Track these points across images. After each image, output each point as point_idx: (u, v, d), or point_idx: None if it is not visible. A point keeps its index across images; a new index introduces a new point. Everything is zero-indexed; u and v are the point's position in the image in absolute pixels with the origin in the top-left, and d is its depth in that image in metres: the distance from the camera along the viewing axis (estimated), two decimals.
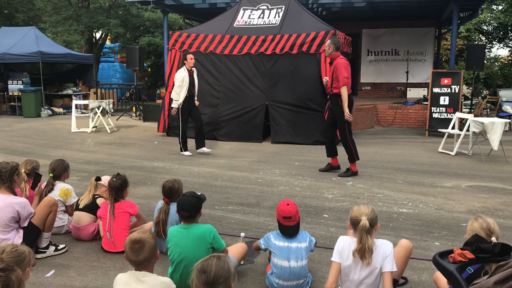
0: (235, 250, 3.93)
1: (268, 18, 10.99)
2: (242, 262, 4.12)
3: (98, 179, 4.80)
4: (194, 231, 3.53)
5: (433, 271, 3.64)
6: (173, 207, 4.35)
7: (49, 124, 13.78)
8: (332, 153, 7.67)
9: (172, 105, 8.90)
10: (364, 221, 2.98)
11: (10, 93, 16.57)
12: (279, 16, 10.88)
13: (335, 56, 7.15)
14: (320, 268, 4.05)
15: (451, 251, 2.43)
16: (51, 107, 16.64)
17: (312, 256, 4.23)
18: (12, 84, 16.74)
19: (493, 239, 2.78)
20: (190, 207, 3.57)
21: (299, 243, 3.52)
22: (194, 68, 8.97)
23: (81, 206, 4.67)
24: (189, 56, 8.79)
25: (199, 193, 3.78)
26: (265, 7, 11.19)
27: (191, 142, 9.31)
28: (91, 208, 4.62)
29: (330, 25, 10.71)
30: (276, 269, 3.49)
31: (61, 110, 16.87)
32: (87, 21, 19.90)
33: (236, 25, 11.04)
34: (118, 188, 4.38)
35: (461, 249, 2.42)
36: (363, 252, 2.98)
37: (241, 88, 10.55)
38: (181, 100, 8.74)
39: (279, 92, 10.36)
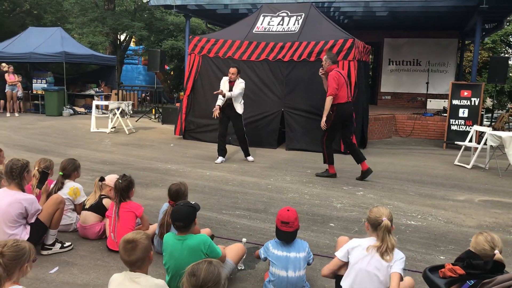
0: (232, 251, 3.92)
1: (287, 25, 11.02)
2: (242, 267, 4.13)
3: (102, 179, 4.88)
4: (189, 243, 3.47)
5: None
6: None
7: (69, 123, 14.04)
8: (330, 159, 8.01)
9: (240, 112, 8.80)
10: (386, 221, 3.13)
11: (34, 92, 16.96)
12: (298, 24, 10.91)
13: (330, 69, 7.58)
14: (321, 277, 4.03)
15: (442, 266, 2.41)
16: (73, 107, 16.95)
17: (314, 265, 4.21)
18: (37, 83, 17.14)
19: (496, 251, 2.78)
20: (185, 217, 3.49)
21: (297, 253, 3.52)
22: (240, 81, 8.71)
23: (87, 206, 4.76)
24: (231, 71, 8.57)
25: (193, 202, 3.72)
26: (285, 14, 11.23)
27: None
28: (97, 208, 4.70)
29: (351, 33, 10.67)
30: (273, 278, 3.50)
31: (82, 110, 17.18)
32: (112, 23, 20.25)
33: (255, 31, 11.10)
34: (124, 189, 4.44)
35: (453, 264, 2.40)
36: (385, 250, 3.10)
37: (258, 94, 10.59)
38: (219, 102, 8.61)
39: (296, 99, 10.37)
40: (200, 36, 11.56)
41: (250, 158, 9.09)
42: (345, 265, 3.32)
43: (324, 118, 7.54)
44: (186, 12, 15.39)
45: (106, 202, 4.74)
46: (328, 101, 7.48)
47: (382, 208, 3.25)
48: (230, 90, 8.59)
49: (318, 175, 7.96)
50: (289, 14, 11.18)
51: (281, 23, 11.11)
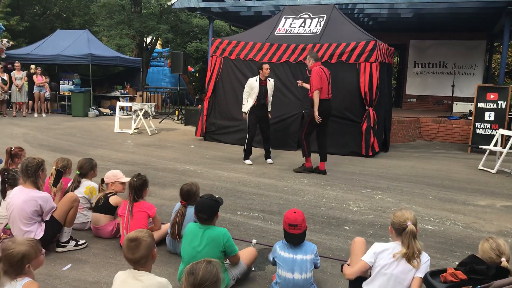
0: (244, 254, 3.95)
1: (309, 27, 10.98)
2: (252, 268, 4.13)
3: (102, 181, 4.92)
4: (209, 233, 3.61)
5: None
6: (190, 210, 4.43)
7: (94, 124, 14.30)
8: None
9: (242, 110, 8.96)
10: (411, 226, 3.06)
11: (61, 93, 17.34)
12: (320, 25, 10.85)
13: (313, 67, 7.97)
14: (330, 280, 4.00)
15: (444, 270, 2.35)
16: (99, 108, 17.26)
17: (325, 268, 4.19)
18: (64, 84, 17.52)
19: (503, 259, 2.69)
20: (208, 209, 3.65)
21: (304, 255, 3.50)
22: (271, 79, 8.90)
23: (94, 206, 4.80)
24: (265, 66, 8.65)
25: (217, 196, 3.83)
26: (307, 16, 11.19)
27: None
28: (106, 208, 4.74)
29: (376, 35, 10.56)
30: (280, 280, 3.49)
31: (107, 111, 17.47)
32: (138, 26, 20.54)
33: (277, 33, 11.09)
34: (138, 188, 4.48)
35: (455, 268, 2.34)
36: (411, 256, 3.03)
37: (278, 96, 10.55)
38: (248, 107, 8.70)
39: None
40: (221, 38, 11.61)
41: (270, 160, 9.10)
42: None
43: (316, 113, 7.82)
44: (209, 14, 15.51)
45: (113, 200, 4.78)
46: (316, 95, 7.80)
47: (406, 212, 3.14)
48: (262, 90, 8.65)
49: (296, 170, 8.26)
50: (311, 16, 11.14)
51: (303, 25, 11.08)
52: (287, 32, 11.06)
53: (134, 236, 2.82)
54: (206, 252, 3.55)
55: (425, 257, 3.11)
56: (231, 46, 11.08)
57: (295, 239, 3.51)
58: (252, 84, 8.69)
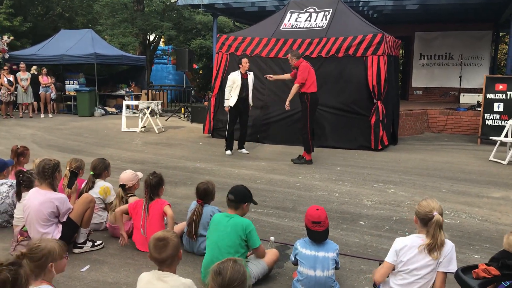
0: (267, 256, 3.92)
1: (315, 21, 10.91)
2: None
3: (123, 187, 4.88)
4: (234, 220, 3.72)
5: None
6: (206, 208, 4.41)
7: (101, 123, 14.29)
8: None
9: (224, 104, 9.33)
10: (438, 216, 2.97)
11: (67, 93, 17.34)
12: (326, 19, 10.78)
13: (298, 63, 8.30)
14: (350, 276, 3.97)
15: (476, 266, 2.32)
16: (105, 107, 17.26)
17: (343, 264, 4.16)
18: (69, 84, 17.52)
19: None
20: (239, 193, 3.84)
21: (326, 253, 3.47)
22: (250, 72, 9.34)
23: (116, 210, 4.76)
24: (244, 60, 9.14)
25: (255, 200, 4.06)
26: (312, 10, 11.12)
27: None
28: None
29: (381, 28, 10.49)
30: (302, 277, 3.46)
31: (113, 110, 17.45)
32: (141, 24, 20.52)
33: (282, 28, 11.04)
34: (154, 186, 4.46)
35: (487, 264, 2.31)
36: (433, 247, 2.95)
37: (286, 91, 10.41)
38: (232, 101, 9.08)
39: (324, 95, 10.19)
40: (227, 34, 11.57)
41: (245, 151, 9.51)
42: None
43: (287, 102, 8.37)
44: (213, 11, 15.45)
45: (132, 200, 4.76)
46: (295, 88, 8.24)
47: (432, 202, 3.06)
48: (244, 83, 9.09)
49: (295, 162, 8.50)
50: (317, 10, 11.07)
51: (308, 19, 11.01)
52: (293, 27, 11.00)
53: (162, 236, 2.80)
54: (228, 239, 3.65)
55: (449, 246, 3.01)
56: (237, 42, 11.04)
57: (319, 236, 3.49)
58: (235, 78, 9.08)
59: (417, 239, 3.08)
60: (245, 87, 9.14)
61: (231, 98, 9.12)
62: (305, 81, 8.18)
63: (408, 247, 3.07)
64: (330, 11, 10.87)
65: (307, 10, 11.17)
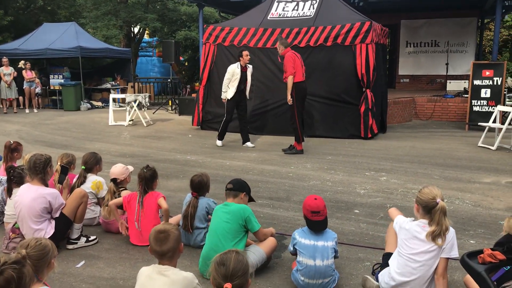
0: (264, 244, 3.91)
1: (302, 10, 10.84)
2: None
3: (114, 181, 4.80)
4: (234, 206, 3.78)
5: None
6: (202, 201, 4.36)
7: (87, 117, 14.11)
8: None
9: (222, 96, 9.24)
10: (442, 203, 2.97)
11: (52, 87, 17.08)
12: (313, 8, 10.72)
13: (285, 52, 8.28)
14: (348, 265, 3.97)
15: (481, 251, 2.32)
16: (90, 101, 17.04)
17: (341, 253, 4.14)
18: (53, 78, 17.25)
19: None
20: (237, 183, 3.92)
21: (325, 242, 3.45)
22: (250, 65, 9.24)
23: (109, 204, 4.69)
24: (245, 53, 9.03)
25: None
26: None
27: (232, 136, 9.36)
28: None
29: (367, 16, 10.48)
30: (301, 267, 3.44)
31: (99, 103, 17.25)
32: (125, 16, 20.25)
33: (270, 17, 10.95)
34: (148, 179, 4.40)
35: (492, 249, 2.30)
36: (438, 233, 2.94)
37: (274, 81, 10.47)
38: (231, 93, 8.99)
39: (313, 85, 10.18)
40: (214, 25, 11.45)
41: (250, 144, 9.32)
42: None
43: (289, 96, 8.23)
44: (199, 1, 15.31)
45: (124, 194, 4.70)
46: (290, 80, 8.16)
47: (433, 189, 3.05)
48: (243, 75, 9.00)
49: (286, 152, 8.51)
50: None
51: (296, 8, 10.94)
52: (280, 16, 10.93)
53: (162, 228, 2.76)
54: (228, 223, 3.69)
55: (451, 232, 3.01)
56: (224, 32, 10.94)
57: (319, 226, 3.47)
58: (234, 71, 8.98)
59: (417, 227, 3.08)
60: (244, 80, 9.06)
61: (229, 90, 9.02)
62: (295, 70, 8.15)
63: (406, 230, 3.09)
64: (318, 0, 10.80)
65: (294, 0, 11.09)
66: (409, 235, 3.07)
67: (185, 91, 19.14)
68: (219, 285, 2.27)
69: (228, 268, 2.28)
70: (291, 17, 10.81)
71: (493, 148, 8.85)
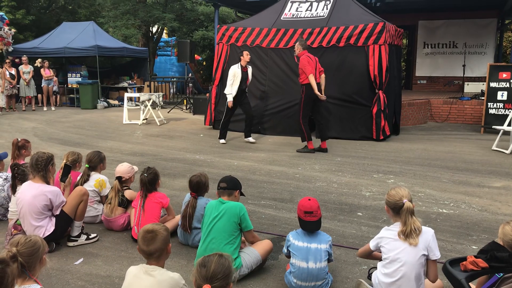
0: (260, 246, 3.90)
1: (316, 10, 10.79)
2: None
3: (119, 179, 4.84)
4: (228, 204, 3.77)
5: None
6: (200, 201, 4.38)
7: (103, 115, 14.29)
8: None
9: (227, 100, 9.33)
10: (408, 203, 3.03)
11: (69, 86, 17.34)
12: (327, 9, 10.66)
13: (301, 54, 8.39)
14: (345, 268, 3.94)
15: (464, 259, 2.27)
16: (107, 99, 17.24)
17: (338, 256, 4.13)
18: (71, 77, 17.51)
19: None
20: (230, 181, 3.92)
21: (319, 244, 3.43)
22: (249, 65, 9.44)
23: (111, 203, 4.74)
24: (245, 53, 9.26)
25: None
26: (313, 0, 10.99)
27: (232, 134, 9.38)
28: (121, 203, 4.71)
29: (384, 17, 10.39)
30: (294, 269, 3.43)
31: (116, 102, 17.44)
32: (143, 16, 20.43)
33: (283, 18, 10.93)
34: (149, 182, 4.42)
35: (475, 256, 2.26)
36: (409, 233, 2.98)
37: (287, 81, 10.45)
38: (233, 94, 9.17)
39: (325, 85, 10.15)
40: (227, 25, 11.48)
41: (251, 139, 9.65)
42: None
43: (319, 94, 8.32)
44: (215, 1, 15.37)
45: (128, 194, 4.75)
46: (311, 79, 8.22)
47: (400, 189, 3.12)
48: (244, 76, 9.19)
49: (299, 151, 8.67)
50: None
51: (309, 8, 10.90)
52: (294, 16, 10.90)
53: (150, 228, 2.78)
54: (223, 221, 3.69)
55: (429, 234, 3.01)
56: (238, 32, 10.95)
57: (311, 226, 3.45)
58: (235, 72, 9.16)
59: (393, 231, 3.11)
60: (245, 79, 9.24)
61: (232, 92, 9.18)
62: (313, 70, 8.26)
63: (390, 239, 3.10)
64: (331, 1, 10.74)
65: (308, 0, 11.05)
66: (386, 240, 3.10)
67: (189, 90, 19.25)
68: (199, 286, 2.28)
69: (209, 270, 2.29)
70: (304, 17, 10.77)
71: (508, 152, 8.67)
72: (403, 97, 12.21)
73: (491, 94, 11.04)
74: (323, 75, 8.61)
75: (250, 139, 9.62)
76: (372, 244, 3.26)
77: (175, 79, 20.34)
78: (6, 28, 16.37)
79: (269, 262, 4.05)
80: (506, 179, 6.85)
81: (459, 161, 8.02)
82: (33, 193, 4.07)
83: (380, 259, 3.26)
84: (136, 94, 14.55)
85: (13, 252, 2.53)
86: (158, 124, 12.32)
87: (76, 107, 16.66)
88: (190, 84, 17.87)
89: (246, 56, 9.18)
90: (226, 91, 9.33)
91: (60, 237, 4.30)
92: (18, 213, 4.16)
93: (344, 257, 4.14)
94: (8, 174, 4.91)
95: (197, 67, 24.06)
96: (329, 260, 3.52)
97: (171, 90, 19.20)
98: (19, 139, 5.44)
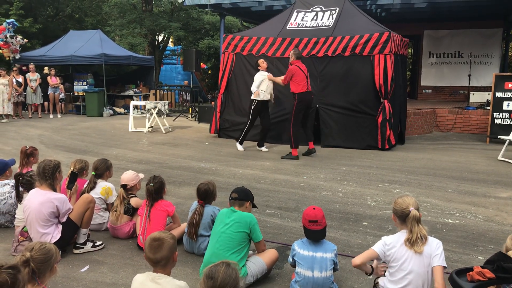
0: (265, 255, 3.90)
1: (321, 20, 10.84)
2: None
3: (124, 187, 4.86)
4: (239, 213, 3.81)
5: None
6: (207, 209, 4.39)
7: (109, 123, 14.35)
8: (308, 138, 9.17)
9: (259, 96, 9.48)
10: (414, 211, 3.03)
11: (76, 93, 17.45)
12: (332, 18, 10.71)
13: (293, 63, 8.83)
14: (350, 278, 3.93)
15: (471, 269, 2.27)
16: (113, 107, 17.32)
17: (344, 265, 4.12)
18: (78, 84, 17.63)
19: None
20: (242, 192, 3.94)
21: (324, 253, 3.44)
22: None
23: (117, 211, 4.75)
24: (260, 61, 9.72)
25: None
26: (318, 9, 11.05)
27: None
28: (127, 211, 4.73)
29: (389, 26, 10.42)
30: (299, 278, 3.43)
31: (122, 110, 17.52)
32: (149, 24, 20.59)
33: (289, 27, 10.99)
34: (156, 191, 4.42)
35: (482, 267, 2.26)
36: (415, 241, 3.00)
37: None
38: (262, 96, 9.47)
39: (331, 94, 10.20)
40: (233, 34, 11.54)
41: (265, 148, 9.83)
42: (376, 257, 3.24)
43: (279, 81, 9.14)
44: (220, 10, 15.46)
45: (134, 202, 4.77)
46: (278, 80, 9.18)
47: (407, 198, 3.14)
48: (269, 84, 9.54)
49: (283, 157, 8.93)
50: (323, 8, 11.00)
51: (315, 18, 10.95)
52: (299, 26, 10.95)
53: (157, 236, 2.79)
54: (233, 229, 3.71)
55: (435, 243, 3.03)
56: (243, 42, 11.01)
57: (316, 235, 3.46)
58: (264, 75, 9.48)
59: (401, 238, 3.10)
60: (270, 87, 9.62)
61: (261, 93, 9.44)
62: (287, 82, 8.82)
63: (396, 248, 3.08)
64: (337, 10, 10.80)
65: (314, 9, 11.11)
66: (393, 248, 3.09)
67: (180, 98, 19.45)
68: None
69: (216, 282, 2.28)
70: (310, 27, 10.82)
71: None
72: (409, 106, 12.22)
73: (497, 104, 11.03)
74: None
75: (263, 148, 9.77)
76: (376, 248, 3.18)
77: (179, 87, 20.40)
78: (19, 37, 16.55)
79: (275, 271, 4.05)
80: None
81: (465, 171, 8.00)
82: (40, 200, 4.09)
83: (368, 272, 3.30)
84: (142, 102, 14.63)
85: (27, 257, 2.56)
86: (164, 132, 12.37)
87: (82, 114, 16.74)
88: (187, 93, 18.02)
89: (262, 64, 9.54)
90: (254, 89, 9.45)
91: (66, 245, 4.31)
92: (25, 220, 4.18)
93: (349, 267, 4.13)
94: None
95: (202, 76, 24.17)
96: (334, 269, 3.52)
97: (186, 97, 19.39)
98: (28, 147, 5.50)
